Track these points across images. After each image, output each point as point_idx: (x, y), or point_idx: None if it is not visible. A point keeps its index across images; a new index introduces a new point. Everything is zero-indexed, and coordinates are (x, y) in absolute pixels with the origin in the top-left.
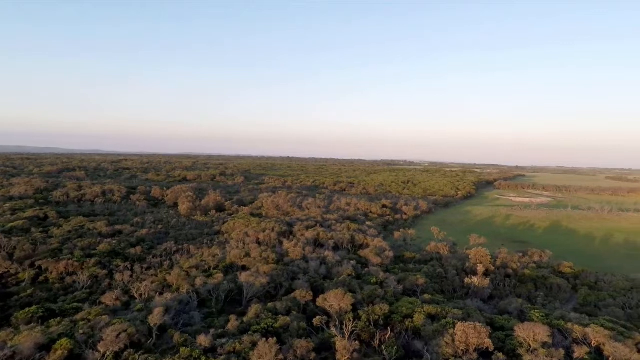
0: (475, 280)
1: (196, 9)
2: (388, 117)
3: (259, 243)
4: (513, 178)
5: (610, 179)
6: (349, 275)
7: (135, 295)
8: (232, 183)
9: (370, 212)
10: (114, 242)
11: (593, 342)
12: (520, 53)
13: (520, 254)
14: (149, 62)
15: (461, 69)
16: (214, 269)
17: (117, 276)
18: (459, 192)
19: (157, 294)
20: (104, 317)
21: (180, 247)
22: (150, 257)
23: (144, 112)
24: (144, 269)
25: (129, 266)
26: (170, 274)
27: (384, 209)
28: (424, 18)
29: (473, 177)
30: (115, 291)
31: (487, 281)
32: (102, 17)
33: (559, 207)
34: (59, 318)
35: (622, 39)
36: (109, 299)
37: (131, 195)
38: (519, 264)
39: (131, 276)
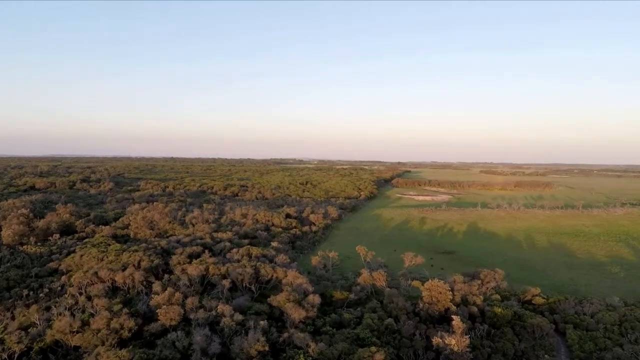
0: (452, 341)
1: None
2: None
3: (115, 290)
4: (402, 174)
5: (484, 173)
6: (259, 353)
7: None
8: (97, 191)
9: (273, 224)
10: None
11: None
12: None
13: (479, 281)
14: None
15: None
16: None
17: None
18: (361, 193)
19: None
20: None
21: None
22: None
23: None
24: None
25: None
26: None
27: (289, 219)
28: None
29: (369, 175)
30: None
31: (466, 341)
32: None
33: (462, 204)
34: None
35: (456, 27)
36: None
37: None
38: (481, 297)
39: None
